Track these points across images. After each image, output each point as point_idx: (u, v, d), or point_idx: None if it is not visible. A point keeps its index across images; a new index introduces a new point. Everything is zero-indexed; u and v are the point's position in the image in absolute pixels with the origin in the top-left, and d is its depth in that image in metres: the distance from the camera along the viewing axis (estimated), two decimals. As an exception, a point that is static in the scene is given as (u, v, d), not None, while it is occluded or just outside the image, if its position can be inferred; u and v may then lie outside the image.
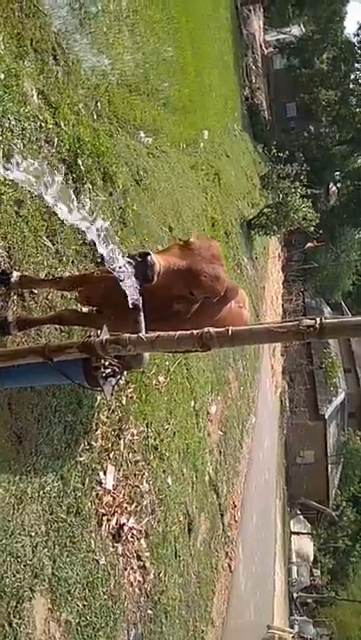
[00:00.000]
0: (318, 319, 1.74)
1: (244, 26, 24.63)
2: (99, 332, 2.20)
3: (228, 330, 1.86)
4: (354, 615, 28.78)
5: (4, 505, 2.71)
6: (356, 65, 30.50)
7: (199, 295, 2.53)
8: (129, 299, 2.12)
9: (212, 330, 1.88)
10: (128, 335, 2.02)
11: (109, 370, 2.27)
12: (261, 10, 29.04)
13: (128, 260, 2.24)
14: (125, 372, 3.15)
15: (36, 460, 3.01)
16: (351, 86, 30.72)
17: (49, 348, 2.09)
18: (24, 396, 2.97)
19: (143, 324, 2.18)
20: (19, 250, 3.15)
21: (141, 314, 2.19)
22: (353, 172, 31.01)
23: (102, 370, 2.25)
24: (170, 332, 1.95)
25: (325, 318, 1.74)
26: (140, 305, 2.19)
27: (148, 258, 2.32)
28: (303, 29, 33.07)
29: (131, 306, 2.16)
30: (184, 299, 2.51)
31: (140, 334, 2.04)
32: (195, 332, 1.89)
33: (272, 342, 1.82)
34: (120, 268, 2.03)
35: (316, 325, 1.72)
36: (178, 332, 1.92)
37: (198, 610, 5.44)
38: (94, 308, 3.03)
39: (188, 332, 1.91)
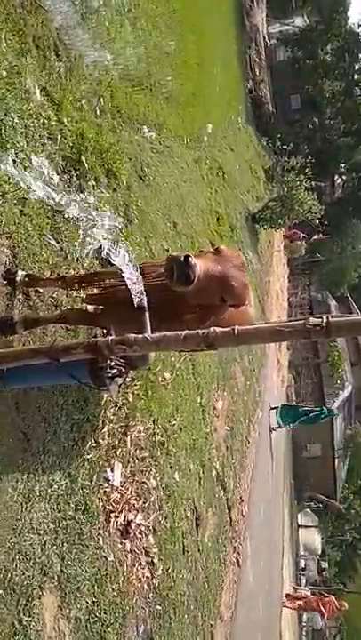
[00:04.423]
0: (325, 318, 1.73)
1: (247, 18, 24.40)
2: (104, 331, 2.20)
3: (233, 329, 1.85)
4: (362, 607, 28.83)
5: (12, 504, 2.72)
6: (360, 55, 30.19)
7: (229, 301, 2.62)
8: (134, 299, 2.12)
9: (217, 329, 1.87)
10: (134, 335, 2.02)
11: (115, 370, 2.27)
12: (264, 1, 28.75)
13: (171, 260, 2.31)
14: (131, 371, 3.15)
15: (44, 459, 3.02)
16: (356, 77, 30.43)
17: (55, 349, 2.09)
18: (31, 395, 2.98)
19: (149, 324, 2.18)
20: (23, 249, 3.15)
21: (147, 314, 2.19)
22: (358, 163, 30.76)
23: (108, 370, 2.25)
24: (176, 332, 1.94)
25: (332, 317, 1.72)
26: (146, 305, 2.19)
27: (190, 259, 2.41)
28: (307, 20, 32.72)
29: (136, 306, 2.16)
30: (205, 308, 2.58)
31: (146, 334, 2.03)
32: (200, 331, 1.89)
33: (278, 341, 1.84)
34: (129, 272, 2.04)
35: (323, 324, 1.71)
36: (184, 332, 1.92)
37: (207, 605, 5.46)
38: (100, 308, 3.03)
39: (194, 332, 1.90)
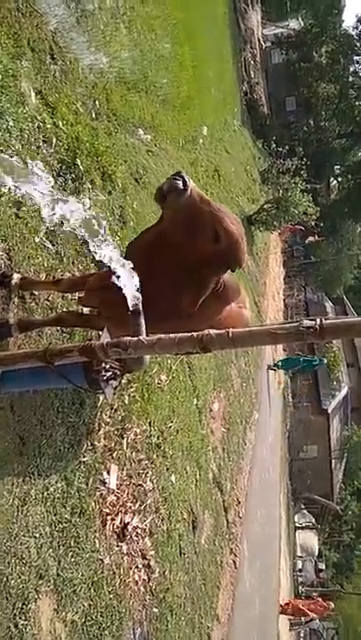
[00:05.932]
0: (318, 320, 1.73)
1: (242, 20, 24.50)
2: (100, 333, 2.20)
3: (228, 332, 1.85)
4: (360, 608, 28.82)
5: (8, 507, 2.72)
6: (355, 58, 30.34)
7: (223, 241, 2.47)
8: (129, 302, 2.12)
9: (212, 332, 1.88)
10: (128, 338, 2.02)
11: (110, 373, 2.27)
12: (259, 4, 28.88)
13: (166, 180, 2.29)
14: (127, 374, 3.15)
15: (40, 462, 3.01)
16: (350, 79, 30.56)
17: (50, 352, 2.09)
18: (26, 397, 2.97)
19: (144, 327, 2.18)
20: (19, 251, 3.15)
21: (142, 317, 2.19)
22: (353, 165, 30.89)
23: (103, 373, 2.25)
24: (170, 335, 1.94)
25: (326, 319, 1.73)
26: (141, 306, 2.19)
27: (183, 171, 2.38)
28: (301, 23, 32.87)
29: (131, 308, 2.16)
30: (199, 267, 2.47)
31: (141, 337, 2.04)
32: (195, 334, 1.89)
33: (273, 344, 1.81)
34: (123, 273, 2.04)
35: (317, 326, 1.72)
36: (178, 335, 1.92)
37: (204, 607, 5.45)
38: (95, 310, 3.03)
39: (189, 335, 1.90)
